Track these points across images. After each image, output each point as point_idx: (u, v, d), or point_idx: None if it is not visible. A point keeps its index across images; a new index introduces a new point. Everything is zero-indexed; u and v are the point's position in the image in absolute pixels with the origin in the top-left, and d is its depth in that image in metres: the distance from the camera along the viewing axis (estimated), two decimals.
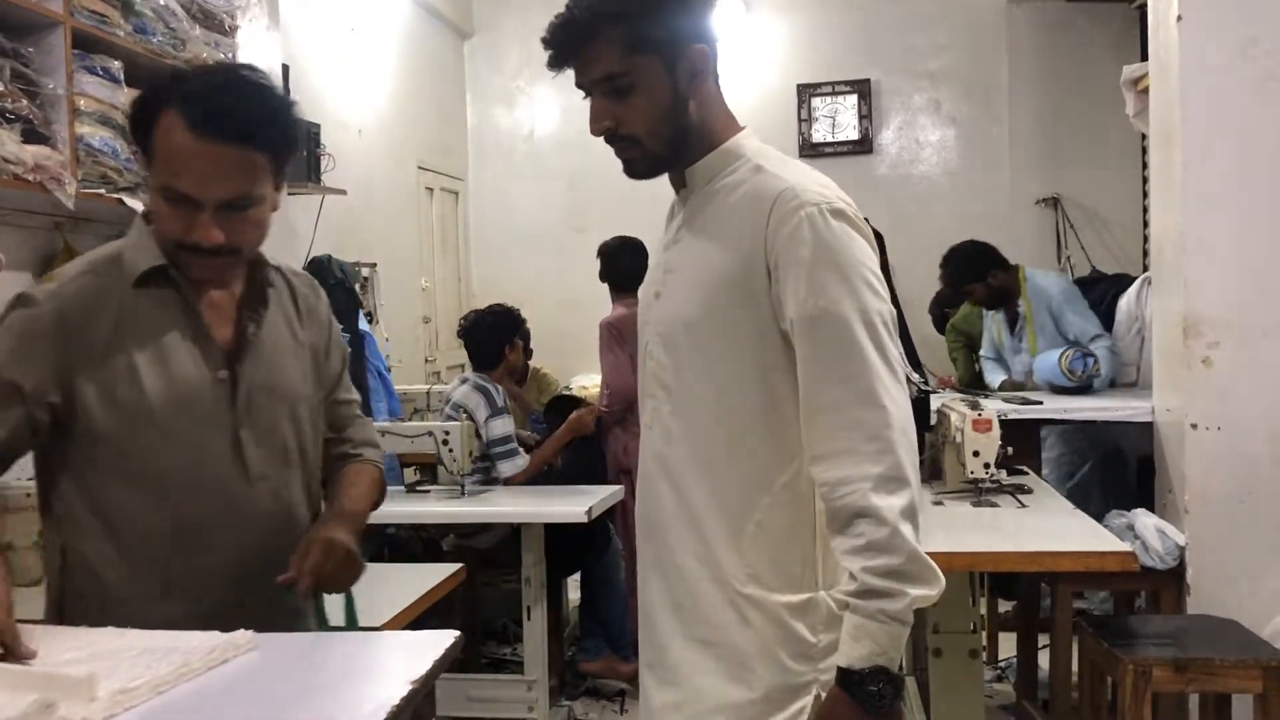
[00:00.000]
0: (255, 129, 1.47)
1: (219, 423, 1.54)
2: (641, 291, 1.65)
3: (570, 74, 1.51)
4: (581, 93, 1.52)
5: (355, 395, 1.85)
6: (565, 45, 1.47)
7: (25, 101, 2.45)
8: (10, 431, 1.46)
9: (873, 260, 1.44)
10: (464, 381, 4.10)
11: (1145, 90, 3.60)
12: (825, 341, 1.39)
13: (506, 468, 3.89)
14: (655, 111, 1.47)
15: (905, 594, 1.33)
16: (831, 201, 1.43)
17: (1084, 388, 4.24)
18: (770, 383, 1.45)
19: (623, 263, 4.26)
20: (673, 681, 1.51)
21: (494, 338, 4.19)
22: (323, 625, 1.70)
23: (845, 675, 1.34)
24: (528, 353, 4.62)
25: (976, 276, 4.59)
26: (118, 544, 1.50)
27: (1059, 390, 4.28)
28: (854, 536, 1.35)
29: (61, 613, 1.54)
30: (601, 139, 1.52)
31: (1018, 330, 4.59)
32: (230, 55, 3.20)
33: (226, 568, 1.53)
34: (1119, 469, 4.23)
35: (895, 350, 1.42)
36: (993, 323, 4.77)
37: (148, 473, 1.50)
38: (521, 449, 4.00)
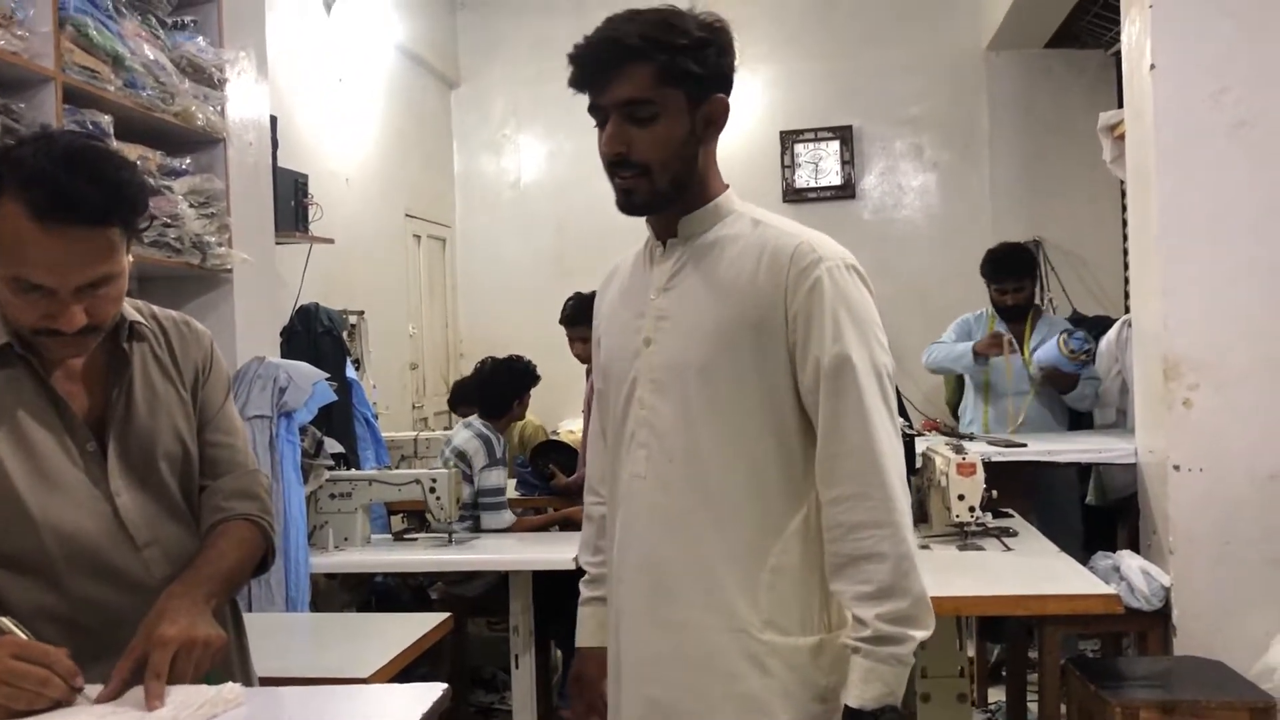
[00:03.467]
0: (107, 207, 1.36)
1: (93, 495, 1.47)
2: (619, 340, 1.63)
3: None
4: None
5: (234, 439, 1.67)
6: (601, 64, 1.49)
7: None
8: None
9: (877, 315, 1.52)
10: (468, 426, 4.11)
11: (1122, 136, 3.66)
12: (844, 388, 1.44)
13: (491, 520, 3.89)
14: (670, 145, 1.51)
15: (911, 638, 1.40)
16: (845, 258, 1.52)
17: (1074, 379, 4.27)
18: (783, 426, 1.49)
19: None
20: None
21: (508, 389, 4.21)
22: None
23: (856, 716, 1.40)
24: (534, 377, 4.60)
25: (1030, 273, 4.58)
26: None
27: (1054, 380, 4.28)
28: (862, 582, 1.41)
29: None
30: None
31: (1032, 348, 4.52)
32: (219, 108, 3.23)
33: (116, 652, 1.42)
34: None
35: (894, 401, 1.49)
36: (986, 332, 4.67)
37: (29, 557, 1.42)
38: (509, 511, 3.99)
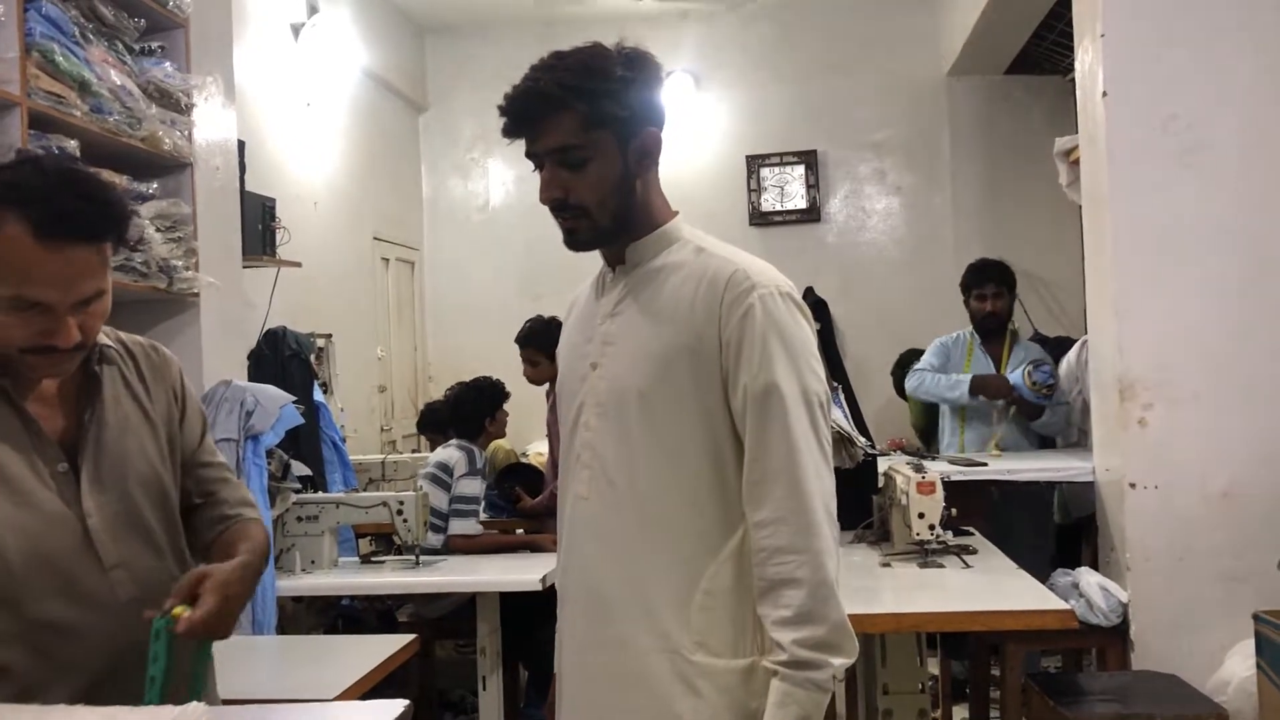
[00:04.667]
0: (101, 225, 1.43)
1: (64, 517, 1.48)
2: (570, 364, 1.68)
3: (523, 145, 1.58)
4: (531, 164, 1.57)
5: (221, 458, 1.74)
6: (526, 114, 1.52)
7: None
8: None
9: (814, 343, 1.54)
10: (448, 445, 4.23)
11: (1077, 161, 3.74)
12: (771, 414, 1.47)
13: (457, 525, 3.97)
14: (605, 185, 1.53)
15: (829, 664, 1.42)
16: (781, 285, 1.54)
17: (1040, 408, 4.34)
18: (717, 452, 1.52)
19: None
20: None
21: (478, 408, 4.30)
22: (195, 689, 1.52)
23: None
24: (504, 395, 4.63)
25: (1009, 283, 4.63)
26: None
27: (1020, 406, 4.35)
28: (782, 607, 1.43)
29: None
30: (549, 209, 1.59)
31: (1010, 370, 4.57)
32: (186, 133, 3.24)
33: (93, 662, 1.46)
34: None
35: (827, 428, 1.52)
36: (964, 356, 4.69)
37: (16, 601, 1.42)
38: (477, 522, 4.04)
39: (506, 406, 4.45)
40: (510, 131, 1.54)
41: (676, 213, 1.65)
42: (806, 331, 1.53)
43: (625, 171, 1.55)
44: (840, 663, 1.43)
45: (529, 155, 1.56)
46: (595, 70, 1.51)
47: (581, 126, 1.50)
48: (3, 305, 1.39)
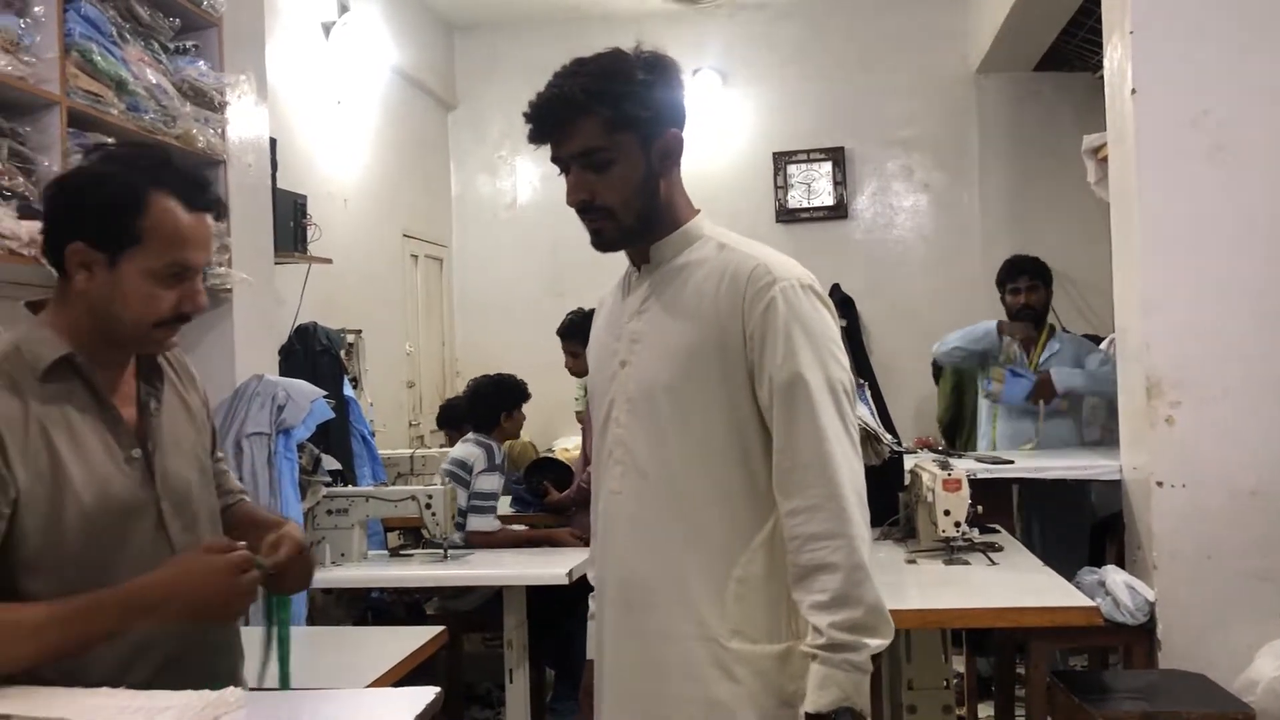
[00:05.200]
0: (215, 197, 1.60)
1: (140, 502, 1.55)
2: (600, 363, 1.72)
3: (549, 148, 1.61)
4: (557, 167, 1.61)
5: (220, 451, 1.86)
6: (551, 120, 1.57)
7: (21, 179, 2.52)
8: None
9: (836, 332, 1.57)
10: (466, 440, 4.26)
11: (1105, 159, 3.73)
12: (797, 404, 1.50)
13: (476, 522, 4.00)
14: (630, 186, 1.57)
15: (866, 645, 1.45)
16: (801, 277, 1.57)
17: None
18: (746, 443, 1.55)
19: None
20: None
21: (495, 403, 4.33)
22: (283, 662, 1.65)
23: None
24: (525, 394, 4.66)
25: (1044, 277, 4.62)
26: None
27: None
28: (818, 591, 1.46)
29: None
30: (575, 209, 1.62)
31: (1043, 362, 4.56)
32: (220, 131, 3.29)
33: (169, 642, 1.52)
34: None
35: (853, 416, 1.54)
36: (1002, 353, 4.71)
37: (86, 566, 1.48)
38: (495, 518, 4.08)
39: (529, 406, 4.48)
40: (536, 137, 1.58)
41: (699, 211, 1.68)
42: (829, 322, 1.56)
43: (649, 172, 1.58)
44: (877, 644, 1.46)
45: (554, 160, 1.60)
46: (617, 74, 1.55)
47: (605, 130, 1.55)
48: (159, 277, 1.51)
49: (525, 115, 1.57)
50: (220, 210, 1.62)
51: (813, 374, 1.51)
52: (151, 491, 1.56)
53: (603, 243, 1.63)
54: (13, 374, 1.47)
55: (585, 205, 1.59)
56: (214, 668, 1.59)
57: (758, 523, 1.55)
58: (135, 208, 1.49)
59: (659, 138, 1.58)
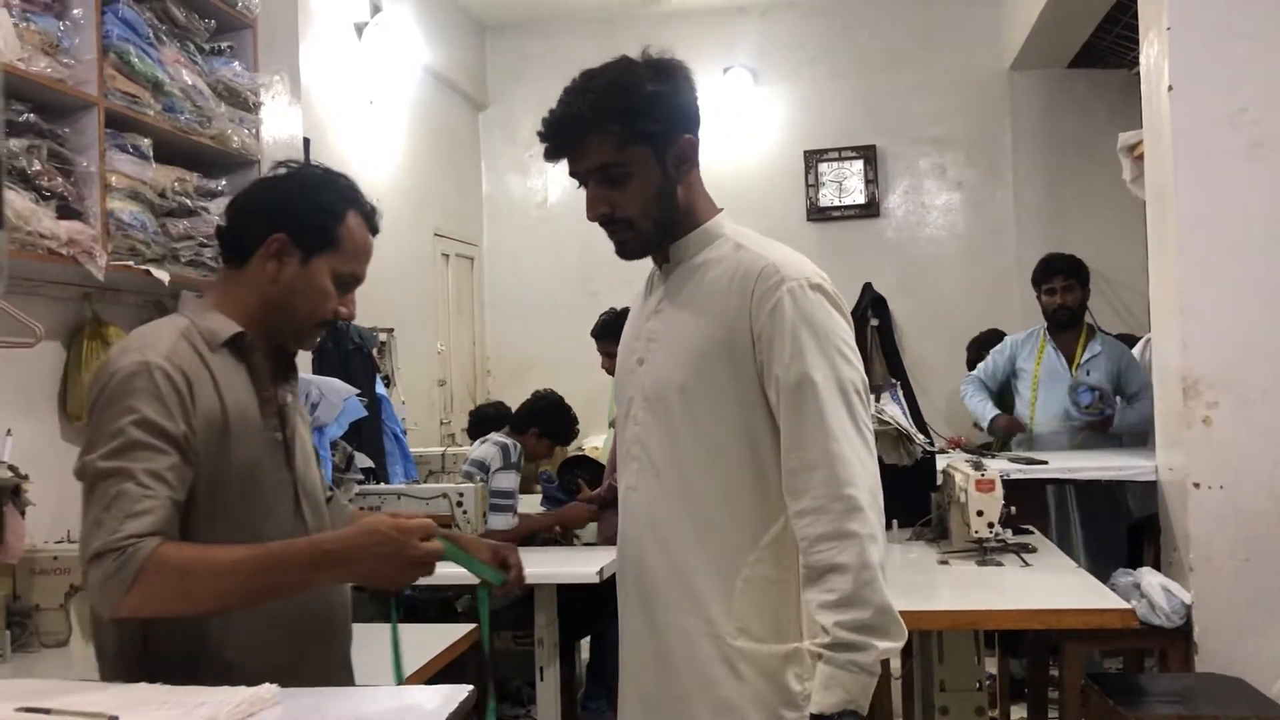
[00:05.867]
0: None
1: (283, 478, 1.65)
2: (624, 360, 1.74)
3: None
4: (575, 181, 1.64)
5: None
6: (564, 139, 1.60)
7: (60, 179, 2.56)
8: (186, 485, 1.51)
9: (846, 331, 1.57)
10: (484, 440, 4.30)
11: (1141, 156, 3.69)
12: (804, 404, 1.50)
13: (495, 520, 4.03)
14: (647, 196, 1.59)
15: (874, 647, 1.43)
16: (810, 277, 1.56)
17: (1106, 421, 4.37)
18: (756, 443, 1.55)
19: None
20: None
21: (538, 420, 4.45)
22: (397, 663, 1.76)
23: None
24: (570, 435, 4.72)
25: (1081, 276, 4.60)
26: None
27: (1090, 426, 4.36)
28: (826, 591, 1.45)
29: (140, 667, 1.54)
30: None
31: (1083, 364, 4.56)
32: (254, 131, 3.32)
33: (290, 618, 1.60)
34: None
35: (866, 415, 1.54)
36: (1034, 352, 4.71)
37: (237, 525, 1.56)
38: (512, 514, 4.12)
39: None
40: (551, 155, 1.62)
41: (720, 210, 1.69)
42: (838, 321, 1.56)
43: (665, 181, 1.60)
44: (885, 646, 1.43)
45: (572, 174, 1.63)
46: (625, 88, 1.56)
47: (617, 145, 1.56)
48: (340, 281, 1.69)
49: (539, 134, 1.60)
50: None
51: (820, 374, 1.50)
52: (291, 473, 1.67)
53: (626, 253, 1.66)
54: (193, 341, 1.60)
55: (606, 218, 1.62)
56: (346, 657, 1.73)
57: (766, 523, 1.55)
58: (339, 216, 1.68)
59: (672, 145, 1.59)
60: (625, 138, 1.56)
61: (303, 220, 1.65)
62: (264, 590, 1.48)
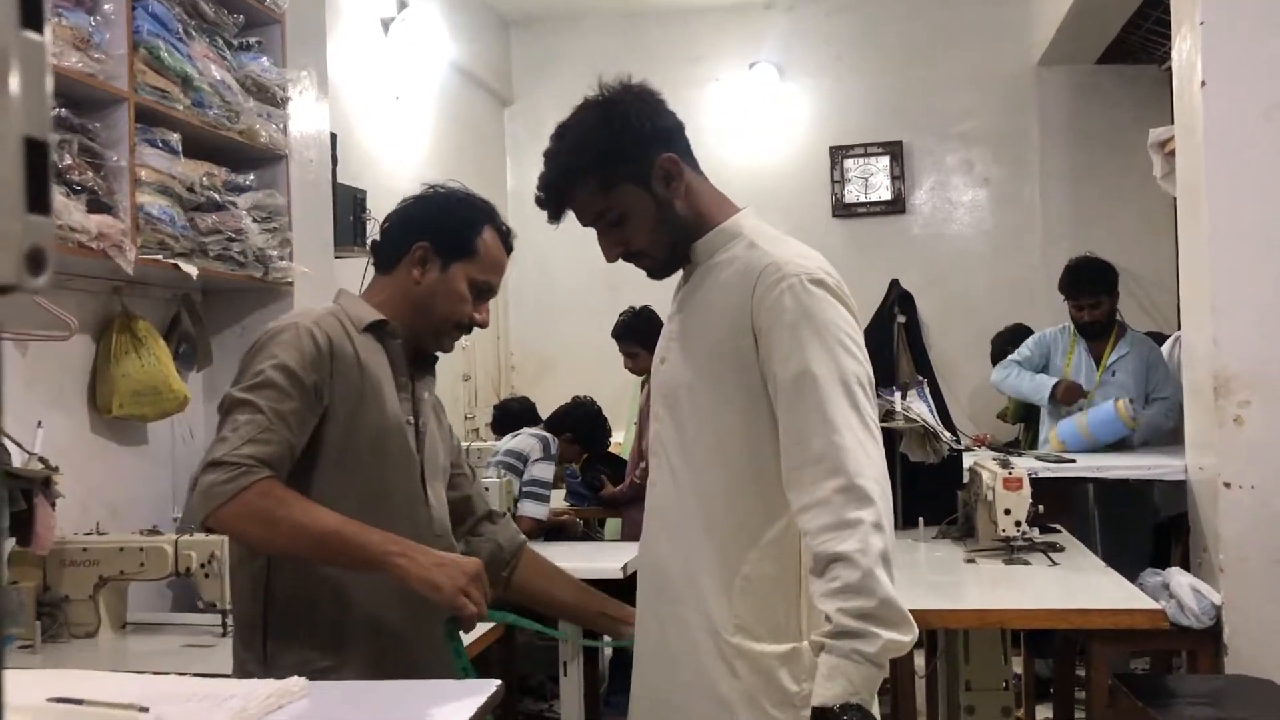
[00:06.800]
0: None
1: (410, 458, 1.81)
2: (655, 359, 1.78)
3: None
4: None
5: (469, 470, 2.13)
6: (553, 203, 1.67)
7: (90, 173, 2.58)
8: (306, 433, 1.68)
9: (850, 325, 1.55)
10: (519, 433, 4.37)
11: (1172, 153, 3.65)
12: (804, 399, 1.49)
13: (529, 508, 4.06)
14: (649, 226, 1.63)
15: (879, 636, 1.39)
16: (812, 272, 1.55)
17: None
18: (759, 442, 1.55)
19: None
20: None
21: (574, 426, 4.59)
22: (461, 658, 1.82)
23: (820, 714, 1.40)
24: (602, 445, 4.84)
25: (1109, 289, 4.53)
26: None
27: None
28: (830, 580, 1.42)
29: (260, 632, 1.72)
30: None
31: (1109, 366, 4.51)
32: (282, 126, 3.33)
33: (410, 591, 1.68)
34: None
35: (871, 408, 1.52)
36: (1065, 352, 4.65)
37: (368, 492, 1.73)
38: (547, 504, 4.17)
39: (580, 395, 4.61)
40: (552, 218, 1.70)
41: (740, 209, 1.69)
42: (841, 313, 1.54)
43: (660, 204, 1.63)
44: (890, 636, 1.38)
45: (583, 225, 1.69)
46: (590, 142, 1.62)
47: (601, 193, 1.62)
48: (475, 289, 1.87)
49: (536, 202, 1.68)
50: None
51: (821, 368, 1.48)
52: (419, 457, 1.83)
53: (656, 276, 1.71)
54: (341, 320, 1.79)
55: (622, 256, 1.67)
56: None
57: (768, 521, 1.55)
58: (476, 229, 1.88)
59: (652, 170, 1.61)
60: (605, 183, 1.61)
61: (444, 231, 1.86)
62: (340, 550, 1.60)
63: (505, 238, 1.94)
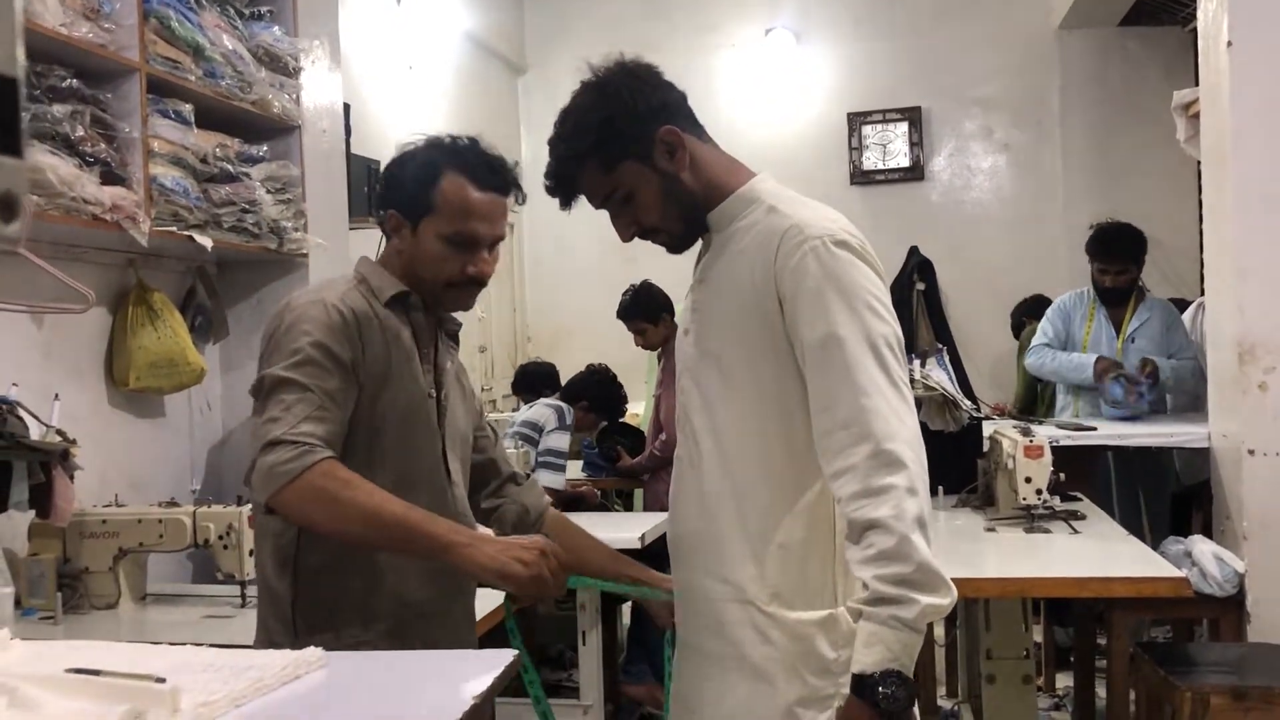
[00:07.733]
0: (507, 181, 1.82)
1: (433, 433, 1.79)
2: (679, 332, 1.75)
3: None
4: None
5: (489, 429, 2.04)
6: (562, 190, 1.66)
7: (103, 145, 2.56)
8: (349, 412, 1.66)
9: (877, 286, 1.52)
10: (536, 402, 4.42)
11: (1196, 115, 3.59)
12: (832, 363, 1.46)
13: (545, 477, 4.08)
14: (657, 201, 1.61)
15: (916, 601, 1.37)
16: (835, 233, 1.51)
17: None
18: (789, 408, 1.53)
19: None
20: (697, 701, 1.60)
21: (591, 394, 4.64)
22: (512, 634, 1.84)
23: (859, 681, 1.39)
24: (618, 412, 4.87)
25: (1137, 257, 4.45)
26: None
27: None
28: (865, 547, 1.40)
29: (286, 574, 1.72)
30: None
31: (1129, 334, 4.46)
32: (294, 97, 3.31)
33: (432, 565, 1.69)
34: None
35: (901, 369, 1.49)
36: (1084, 320, 4.58)
37: (394, 469, 1.70)
38: (563, 474, 4.20)
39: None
40: (564, 205, 1.68)
41: (755, 174, 1.66)
42: (867, 274, 1.51)
43: (666, 179, 1.60)
44: (929, 601, 1.37)
45: (595, 208, 1.67)
46: (586, 125, 1.60)
47: (605, 174, 1.61)
48: (450, 243, 1.75)
49: (546, 190, 1.67)
50: (517, 193, 1.84)
51: (848, 330, 1.45)
52: (441, 428, 1.80)
53: (674, 250, 1.69)
54: (365, 295, 1.76)
55: (637, 235, 1.65)
56: (470, 609, 1.89)
57: (800, 488, 1.53)
58: (433, 181, 1.75)
59: (654, 145, 1.59)
60: (606, 164, 1.60)
61: (404, 193, 1.78)
62: (403, 538, 1.57)
63: (480, 174, 1.78)
